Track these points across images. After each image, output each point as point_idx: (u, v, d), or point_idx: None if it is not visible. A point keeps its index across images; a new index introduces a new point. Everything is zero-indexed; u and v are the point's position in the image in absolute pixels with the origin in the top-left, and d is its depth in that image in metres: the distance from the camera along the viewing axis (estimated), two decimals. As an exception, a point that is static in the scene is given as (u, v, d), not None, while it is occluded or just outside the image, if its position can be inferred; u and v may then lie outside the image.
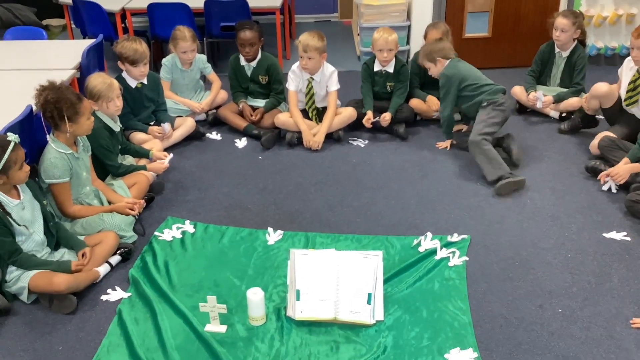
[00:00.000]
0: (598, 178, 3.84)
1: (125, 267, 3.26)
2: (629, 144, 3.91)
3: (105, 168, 3.71)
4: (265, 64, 4.69)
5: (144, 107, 4.39)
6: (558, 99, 4.70)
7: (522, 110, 4.88)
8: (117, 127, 3.77)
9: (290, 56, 6.17)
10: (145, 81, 4.33)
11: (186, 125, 4.54)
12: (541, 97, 4.66)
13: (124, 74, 4.27)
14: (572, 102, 4.63)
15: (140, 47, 4.17)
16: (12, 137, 2.88)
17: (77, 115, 3.22)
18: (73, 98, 3.20)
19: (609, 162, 3.95)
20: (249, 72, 4.73)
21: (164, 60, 4.77)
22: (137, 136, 4.27)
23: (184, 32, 4.62)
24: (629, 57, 4.16)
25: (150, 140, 4.24)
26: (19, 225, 2.92)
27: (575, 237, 3.42)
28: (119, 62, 4.24)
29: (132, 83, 4.28)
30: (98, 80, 3.66)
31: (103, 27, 5.42)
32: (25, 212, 2.98)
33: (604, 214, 3.62)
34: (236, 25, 4.74)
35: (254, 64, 4.68)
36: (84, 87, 3.70)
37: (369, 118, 4.54)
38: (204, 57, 4.88)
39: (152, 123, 4.42)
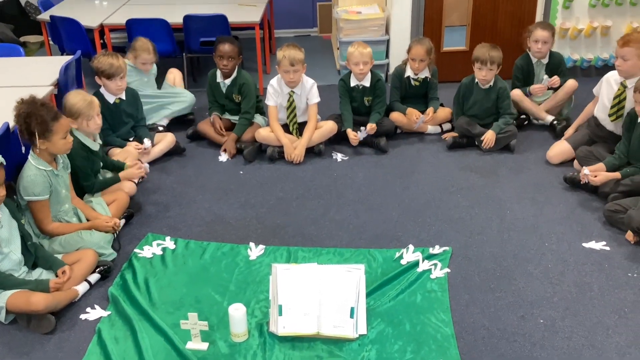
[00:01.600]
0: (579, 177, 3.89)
1: (105, 285, 3.22)
2: (605, 154, 3.97)
3: (79, 185, 3.66)
4: (239, 82, 4.66)
5: (122, 122, 4.36)
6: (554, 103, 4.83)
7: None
8: (96, 145, 3.72)
9: (270, 70, 6.18)
10: (123, 96, 4.31)
11: (166, 141, 4.52)
12: (546, 81, 4.76)
13: (102, 90, 4.25)
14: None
15: (117, 62, 4.16)
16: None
17: (50, 133, 3.16)
18: (45, 115, 3.13)
19: None
20: (224, 89, 4.71)
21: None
22: (114, 152, 4.23)
23: (147, 45, 4.69)
24: (607, 75, 4.22)
25: (123, 151, 4.21)
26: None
27: (555, 248, 3.45)
28: (96, 77, 4.23)
29: (111, 98, 4.26)
30: (77, 97, 3.62)
31: (81, 44, 5.39)
32: (3, 231, 2.93)
33: (583, 224, 3.65)
34: (217, 38, 4.74)
35: (228, 81, 4.65)
36: (62, 104, 3.66)
37: (355, 137, 4.54)
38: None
39: (131, 139, 4.39)
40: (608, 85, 4.18)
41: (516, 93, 4.84)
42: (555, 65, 4.81)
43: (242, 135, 4.63)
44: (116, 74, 4.17)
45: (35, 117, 3.12)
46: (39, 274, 3.09)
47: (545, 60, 4.79)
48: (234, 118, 4.77)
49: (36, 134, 3.14)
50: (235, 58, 4.59)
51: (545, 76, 4.77)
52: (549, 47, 4.71)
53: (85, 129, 3.63)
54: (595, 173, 3.77)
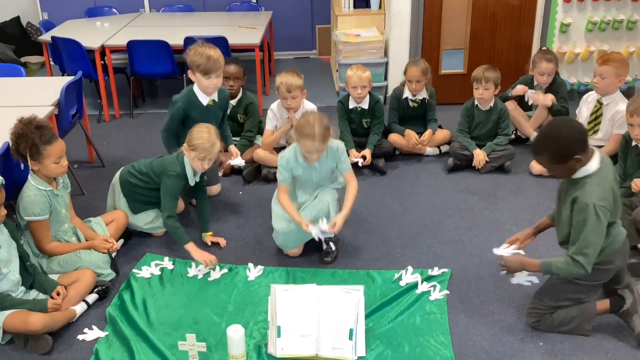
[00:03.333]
0: None
1: (103, 305, 3.21)
2: None
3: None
4: (244, 102, 4.70)
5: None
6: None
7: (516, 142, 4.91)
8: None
9: (270, 92, 6.22)
10: (216, 98, 4.03)
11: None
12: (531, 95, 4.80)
13: (195, 89, 3.93)
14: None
15: (215, 53, 3.81)
16: None
17: (40, 156, 3.14)
18: (37, 138, 3.10)
19: None
20: (229, 110, 4.73)
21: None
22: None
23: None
24: (585, 96, 4.40)
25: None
26: None
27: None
28: (189, 71, 3.90)
29: (204, 100, 3.95)
30: (204, 136, 3.49)
31: (82, 64, 5.42)
32: (2, 251, 2.92)
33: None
34: None
35: (233, 102, 4.69)
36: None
37: (354, 154, 4.55)
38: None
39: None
40: (586, 104, 4.36)
41: (508, 104, 4.85)
42: (555, 89, 4.82)
43: (242, 156, 4.64)
44: (214, 69, 3.78)
45: (26, 139, 3.12)
46: (37, 294, 3.08)
47: (545, 86, 4.81)
48: (234, 140, 4.78)
49: (27, 155, 3.14)
50: (240, 79, 4.63)
51: (531, 91, 4.78)
52: (551, 78, 4.73)
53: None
54: None
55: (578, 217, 2.61)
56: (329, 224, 3.41)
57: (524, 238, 3.07)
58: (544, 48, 5.07)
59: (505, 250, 3.03)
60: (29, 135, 3.12)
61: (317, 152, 3.38)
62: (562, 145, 2.57)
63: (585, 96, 4.39)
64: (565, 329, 2.91)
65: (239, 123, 4.75)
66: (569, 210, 2.67)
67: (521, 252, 3.00)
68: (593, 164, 2.61)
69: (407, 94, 4.81)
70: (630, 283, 2.95)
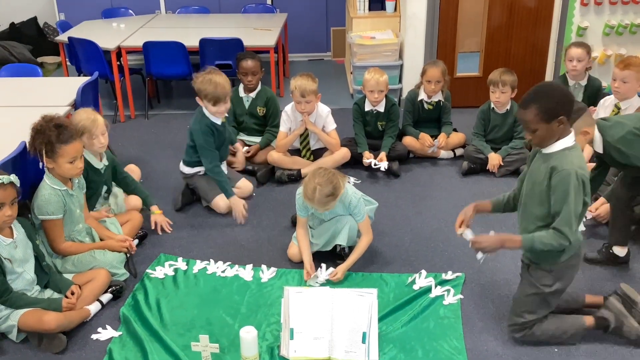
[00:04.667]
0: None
1: (117, 305, 3.22)
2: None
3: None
4: (265, 95, 4.75)
5: (225, 145, 4.23)
6: None
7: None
8: (100, 164, 3.66)
9: (284, 94, 6.22)
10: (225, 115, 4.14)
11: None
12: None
13: (206, 112, 4.04)
14: None
15: (222, 80, 3.95)
16: (10, 179, 2.84)
17: (54, 154, 3.16)
18: (53, 135, 3.12)
19: (595, 196, 3.98)
20: (247, 104, 4.76)
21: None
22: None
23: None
24: (601, 101, 4.34)
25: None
26: (10, 264, 2.89)
27: (569, 275, 3.41)
28: (197, 97, 4.04)
29: (217, 120, 4.06)
30: (83, 115, 3.57)
31: (98, 65, 5.46)
32: (18, 251, 2.94)
33: (593, 249, 3.62)
34: (237, 55, 4.82)
35: (253, 94, 4.72)
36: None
37: (367, 157, 4.55)
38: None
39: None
40: (603, 109, 4.30)
41: None
42: (594, 92, 4.74)
43: (256, 157, 4.66)
44: (222, 98, 3.94)
45: (43, 135, 3.14)
46: (51, 293, 3.09)
47: (584, 83, 4.71)
48: (249, 139, 4.80)
49: (43, 151, 3.16)
50: (258, 72, 4.69)
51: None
52: (584, 66, 4.63)
53: (89, 148, 3.57)
54: (601, 216, 3.77)
55: (560, 188, 2.57)
56: (329, 274, 3.39)
57: (468, 217, 3.00)
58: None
59: (470, 233, 2.91)
60: (47, 132, 3.14)
61: (322, 210, 3.35)
62: (552, 102, 2.55)
63: (602, 101, 4.34)
64: (556, 342, 2.88)
65: (258, 117, 4.77)
66: (545, 186, 2.63)
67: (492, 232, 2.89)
68: (570, 139, 2.61)
69: (422, 96, 4.80)
70: (604, 304, 2.93)
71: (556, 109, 2.54)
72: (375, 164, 4.53)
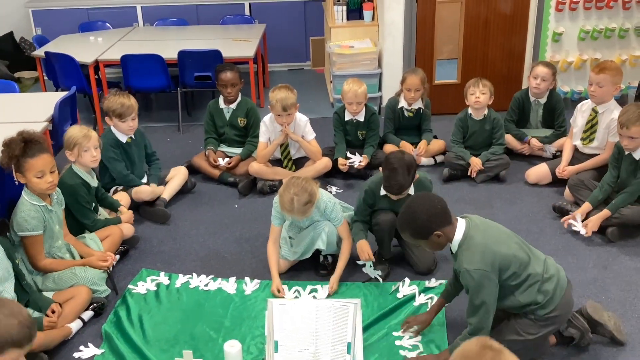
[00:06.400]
0: (562, 221, 3.89)
1: (98, 322, 3.18)
2: (595, 183, 4.00)
3: (78, 222, 3.64)
4: (245, 106, 4.75)
5: (135, 162, 4.28)
6: (548, 142, 4.83)
7: (511, 152, 4.87)
8: (94, 182, 3.72)
9: (264, 104, 6.22)
10: (133, 136, 4.24)
11: (181, 174, 4.48)
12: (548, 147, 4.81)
13: (114, 129, 4.15)
14: (561, 142, 4.66)
15: (128, 101, 4.10)
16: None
17: (22, 168, 3.16)
18: (17, 149, 3.11)
19: (577, 201, 4.02)
20: (227, 115, 4.76)
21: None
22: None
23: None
24: (579, 105, 4.40)
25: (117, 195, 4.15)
26: None
27: (551, 279, 3.43)
28: (106, 117, 4.14)
29: (123, 138, 4.17)
30: (75, 130, 3.65)
31: (76, 79, 5.42)
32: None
33: (577, 256, 3.65)
34: (216, 67, 4.82)
35: (233, 106, 4.73)
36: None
37: (343, 164, 4.56)
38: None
39: (144, 180, 4.34)
40: (580, 113, 4.36)
41: (509, 139, 4.82)
42: (552, 107, 4.83)
43: (237, 169, 4.65)
44: (127, 113, 4.08)
45: (9, 149, 3.13)
46: (31, 312, 3.05)
47: (543, 101, 4.82)
48: (231, 150, 4.79)
49: (12, 167, 3.15)
50: (237, 84, 4.70)
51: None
52: (547, 86, 4.73)
53: (80, 161, 3.61)
54: (587, 228, 3.74)
55: (465, 286, 2.64)
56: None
57: (417, 322, 3.01)
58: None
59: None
60: (12, 145, 3.13)
61: (301, 218, 3.38)
62: (419, 223, 2.64)
63: (579, 105, 4.40)
64: None
65: (239, 128, 4.77)
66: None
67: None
68: (457, 236, 2.65)
69: (402, 103, 4.82)
70: (571, 325, 2.88)
71: (426, 227, 2.64)
72: (356, 166, 4.56)
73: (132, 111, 4.11)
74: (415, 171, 3.32)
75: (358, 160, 4.59)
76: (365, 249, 3.39)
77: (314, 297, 3.33)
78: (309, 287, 3.41)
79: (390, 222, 3.46)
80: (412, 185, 3.34)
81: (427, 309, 3.19)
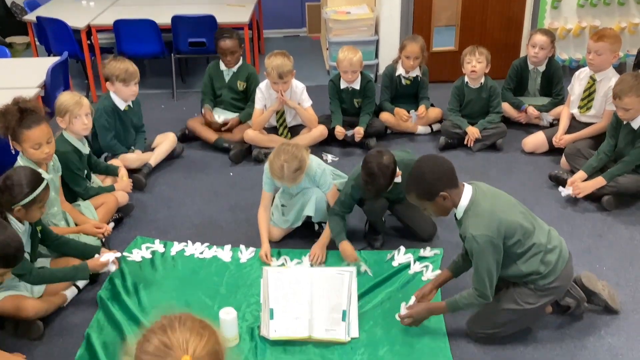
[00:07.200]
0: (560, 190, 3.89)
1: (93, 289, 3.18)
2: (592, 152, 3.99)
3: (71, 190, 3.62)
4: (246, 71, 4.72)
5: (129, 131, 4.27)
6: (545, 110, 4.79)
7: (507, 121, 4.84)
8: (85, 149, 3.68)
9: (260, 71, 6.15)
10: (131, 104, 4.20)
11: (169, 140, 4.46)
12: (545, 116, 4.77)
13: (113, 96, 4.11)
14: (559, 110, 4.62)
15: (132, 67, 4.07)
16: (47, 177, 2.88)
17: (18, 138, 3.14)
18: (14, 120, 3.08)
19: (574, 170, 4.02)
20: (227, 78, 4.71)
21: None
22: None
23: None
24: (576, 72, 4.35)
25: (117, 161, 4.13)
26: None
27: (546, 248, 3.44)
28: (107, 82, 4.09)
29: (121, 105, 4.13)
30: (67, 96, 3.60)
31: (68, 45, 5.33)
32: (24, 237, 2.91)
33: (573, 225, 3.66)
34: (215, 34, 4.77)
35: (234, 69, 4.69)
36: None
37: (339, 131, 4.53)
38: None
39: (132, 147, 4.30)
40: (578, 81, 4.32)
41: (506, 107, 4.79)
42: (550, 75, 4.78)
43: (232, 135, 4.62)
44: (131, 78, 4.06)
45: (5, 119, 3.09)
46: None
47: (542, 69, 4.77)
48: (225, 114, 4.74)
49: (8, 136, 3.13)
50: (237, 51, 4.65)
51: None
52: (546, 54, 4.68)
53: (72, 129, 3.56)
54: (579, 190, 3.76)
55: (470, 251, 2.63)
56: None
57: (421, 293, 2.95)
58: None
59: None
60: (8, 116, 3.09)
61: (291, 184, 3.36)
62: (427, 183, 2.63)
63: (577, 73, 4.35)
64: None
65: (237, 91, 4.74)
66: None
67: None
68: (463, 202, 2.63)
69: (400, 71, 4.77)
70: (568, 294, 2.87)
71: (433, 188, 2.61)
72: (352, 137, 4.53)
73: (135, 77, 4.09)
74: (395, 171, 3.21)
75: (351, 132, 4.55)
76: (348, 252, 3.31)
77: (297, 264, 3.34)
78: (298, 257, 3.40)
79: (382, 206, 3.46)
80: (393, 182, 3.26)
81: (423, 277, 3.21)
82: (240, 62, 4.72)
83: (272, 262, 3.36)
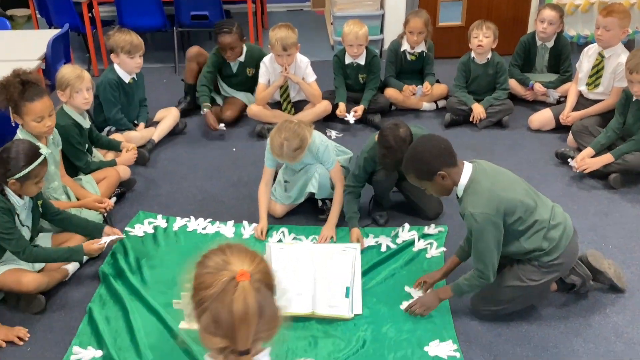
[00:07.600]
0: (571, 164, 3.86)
1: (95, 264, 3.16)
2: (599, 129, 3.94)
3: (72, 164, 3.58)
4: (254, 58, 4.52)
5: (134, 104, 4.23)
6: (553, 87, 4.72)
7: (514, 97, 4.78)
8: (86, 123, 3.63)
9: (263, 45, 6.08)
10: (136, 77, 4.16)
11: (172, 115, 4.42)
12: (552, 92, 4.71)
13: (117, 68, 4.07)
14: (566, 87, 4.55)
15: (137, 38, 4.03)
16: (45, 151, 2.85)
17: (20, 111, 3.10)
18: (16, 92, 3.04)
19: (581, 147, 3.97)
20: (234, 69, 4.59)
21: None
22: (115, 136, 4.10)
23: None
24: (585, 49, 4.29)
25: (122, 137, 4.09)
26: (22, 225, 2.87)
27: (552, 226, 3.41)
28: (112, 55, 4.04)
29: (126, 78, 4.09)
30: (68, 69, 3.54)
31: (69, 17, 5.26)
32: (24, 211, 2.90)
33: (579, 203, 3.62)
34: (215, 26, 4.55)
35: (241, 58, 4.54)
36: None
37: (341, 110, 4.48)
38: None
39: (136, 121, 4.27)
40: (587, 57, 4.25)
41: (513, 84, 4.73)
42: (559, 52, 4.70)
43: (223, 112, 4.56)
44: (136, 50, 4.01)
45: (7, 92, 3.05)
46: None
47: (550, 45, 4.69)
48: (233, 93, 4.67)
49: (9, 108, 3.09)
50: (237, 46, 4.44)
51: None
52: (555, 30, 4.60)
53: (72, 103, 3.52)
54: (586, 165, 3.72)
55: (469, 230, 2.61)
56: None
57: (432, 280, 2.95)
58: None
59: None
60: (10, 88, 3.05)
61: (293, 162, 3.32)
62: (424, 163, 2.61)
63: (586, 49, 4.28)
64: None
65: (246, 77, 4.61)
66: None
67: None
68: (463, 180, 2.60)
69: (405, 46, 4.70)
70: (573, 271, 2.84)
71: (431, 167, 2.59)
72: (352, 118, 4.46)
73: (140, 49, 4.04)
74: (411, 143, 3.09)
75: (350, 117, 4.47)
76: (355, 240, 3.27)
77: (294, 239, 3.33)
78: (297, 234, 3.38)
79: (391, 179, 3.42)
80: None
81: (427, 254, 3.19)
82: (245, 49, 4.55)
83: (270, 238, 3.33)
